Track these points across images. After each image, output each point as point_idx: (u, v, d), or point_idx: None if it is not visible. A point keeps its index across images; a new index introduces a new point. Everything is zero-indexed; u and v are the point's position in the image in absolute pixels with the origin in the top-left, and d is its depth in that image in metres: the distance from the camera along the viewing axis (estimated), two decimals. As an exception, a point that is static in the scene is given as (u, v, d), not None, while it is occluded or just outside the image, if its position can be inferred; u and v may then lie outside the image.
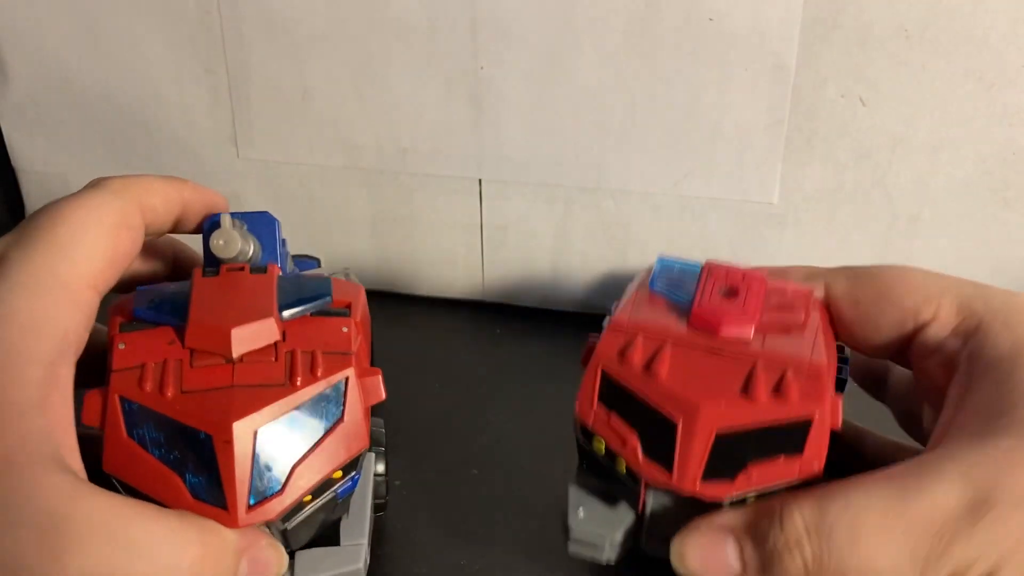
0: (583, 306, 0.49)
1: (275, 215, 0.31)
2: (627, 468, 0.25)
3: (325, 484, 0.26)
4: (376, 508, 0.32)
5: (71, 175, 0.51)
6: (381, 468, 0.32)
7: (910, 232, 0.44)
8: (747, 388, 0.24)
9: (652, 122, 0.43)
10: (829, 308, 0.28)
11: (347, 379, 0.26)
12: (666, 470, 0.24)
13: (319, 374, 0.26)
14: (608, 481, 0.27)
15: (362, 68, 0.45)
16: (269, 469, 0.24)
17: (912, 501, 0.21)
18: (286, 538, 0.26)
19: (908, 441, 0.31)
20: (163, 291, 0.28)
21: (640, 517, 0.26)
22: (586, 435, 0.26)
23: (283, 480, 0.25)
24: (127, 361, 0.25)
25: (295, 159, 0.48)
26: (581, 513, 0.26)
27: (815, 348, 0.25)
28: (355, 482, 0.28)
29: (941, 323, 0.26)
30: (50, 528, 0.20)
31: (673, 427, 0.24)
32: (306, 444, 0.25)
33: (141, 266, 0.31)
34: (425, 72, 0.44)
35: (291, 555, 0.27)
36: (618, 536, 0.26)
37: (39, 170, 0.51)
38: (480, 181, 0.47)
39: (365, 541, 0.29)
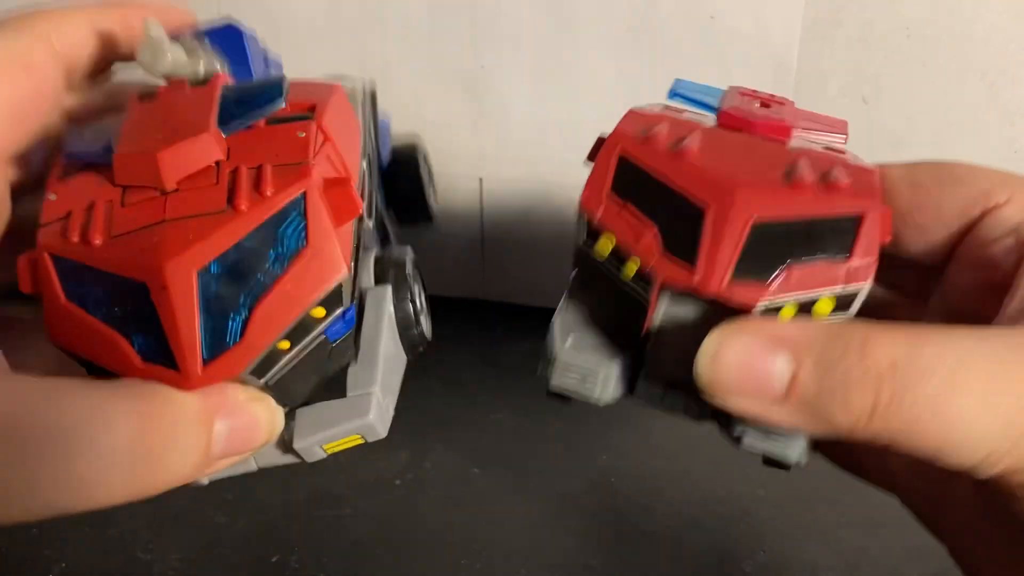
0: (584, 305, 0.49)
1: None
2: (638, 272, 0.21)
3: (302, 326, 0.21)
4: (411, 352, 0.27)
5: (71, 174, 0.51)
6: (419, 299, 0.26)
7: (911, 231, 0.43)
8: (790, 176, 0.20)
9: (653, 121, 0.43)
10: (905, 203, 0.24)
11: (304, 194, 0.21)
12: (688, 266, 0.19)
13: (267, 192, 0.21)
14: (606, 307, 0.22)
15: (362, 67, 0.45)
16: (222, 316, 0.20)
17: (1019, 373, 0.18)
18: (277, 395, 0.22)
19: None
20: (97, 126, 0.23)
21: (644, 340, 0.21)
22: (591, 235, 0.22)
23: (242, 328, 0.20)
24: (56, 212, 0.21)
25: (295, 158, 0.48)
26: (570, 340, 0.22)
27: (859, 161, 0.22)
28: (348, 320, 0.23)
29: (1017, 206, 0.23)
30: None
31: (700, 214, 0.20)
32: (265, 281, 0.21)
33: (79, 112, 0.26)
34: (425, 71, 0.44)
35: (292, 414, 0.23)
36: (614, 369, 0.22)
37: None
38: (481, 180, 0.47)
39: (375, 388, 0.23)
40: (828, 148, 0.23)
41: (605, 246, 0.21)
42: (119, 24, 0.24)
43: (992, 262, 0.23)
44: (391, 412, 0.24)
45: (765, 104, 0.23)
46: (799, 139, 0.22)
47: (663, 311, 0.20)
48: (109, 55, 0.25)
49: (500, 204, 0.47)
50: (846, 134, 0.24)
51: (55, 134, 0.23)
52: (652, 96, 0.43)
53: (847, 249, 0.20)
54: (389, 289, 0.26)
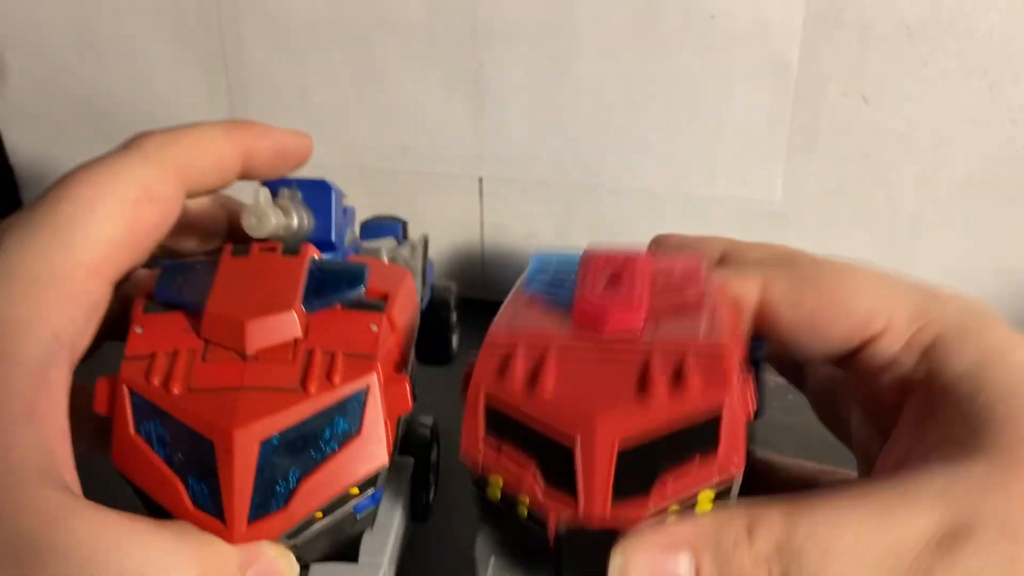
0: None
1: None
2: (528, 509, 0.21)
3: (338, 500, 0.23)
4: (417, 516, 0.29)
5: (70, 174, 0.51)
6: (432, 484, 0.29)
7: (913, 230, 0.43)
8: (643, 387, 0.21)
9: (653, 120, 0.43)
10: (765, 310, 0.25)
11: (368, 388, 0.23)
12: (572, 499, 0.20)
13: (336, 380, 0.23)
14: (516, 536, 0.23)
15: (362, 67, 0.45)
16: (273, 483, 0.22)
17: (889, 527, 0.19)
18: (297, 552, 0.24)
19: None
20: (191, 269, 0.25)
21: (557, 563, 0.22)
22: (478, 482, 0.22)
23: (288, 497, 0.22)
24: (140, 348, 0.23)
25: (295, 158, 0.48)
26: (491, 564, 0.23)
27: (715, 326, 0.22)
28: (376, 499, 0.25)
29: (894, 335, 0.23)
30: (33, 554, 0.18)
31: (570, 449, 0.20)
32: (317, 458, 0.23)
33: (185, 239, 0.27)
34: (425, 70, 0.44)
35: (305, 567, 0.25)
36: None
37: (38, 168, 0.51)
38: (480, 180, 0.46)
39: (385, 560, 0.26)
40: (680, 309, 0.23)
41: (495, 490, 0.22)
42: (243, 150, 0.26)
43: (876, 397, 0.25)
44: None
45: (616, 277, 0.24)
46: (649, 329, 0.23)
47: (565, 539, 0.21)
48: (228, 180, 0.26)
49: (500, 204, 0.47)
50: (702, 284, 0.24)
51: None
52: (652, 96, 0.43)
53: (714, 444, 0.21)
54: (411, 467, 0.29)
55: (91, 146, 0.50)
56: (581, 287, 0.23)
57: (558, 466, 0.21)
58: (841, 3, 0.39)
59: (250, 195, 0.27)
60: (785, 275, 0.25)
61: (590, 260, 0.24)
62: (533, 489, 0.21)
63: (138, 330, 0.24)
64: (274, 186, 0.28)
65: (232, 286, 0.24)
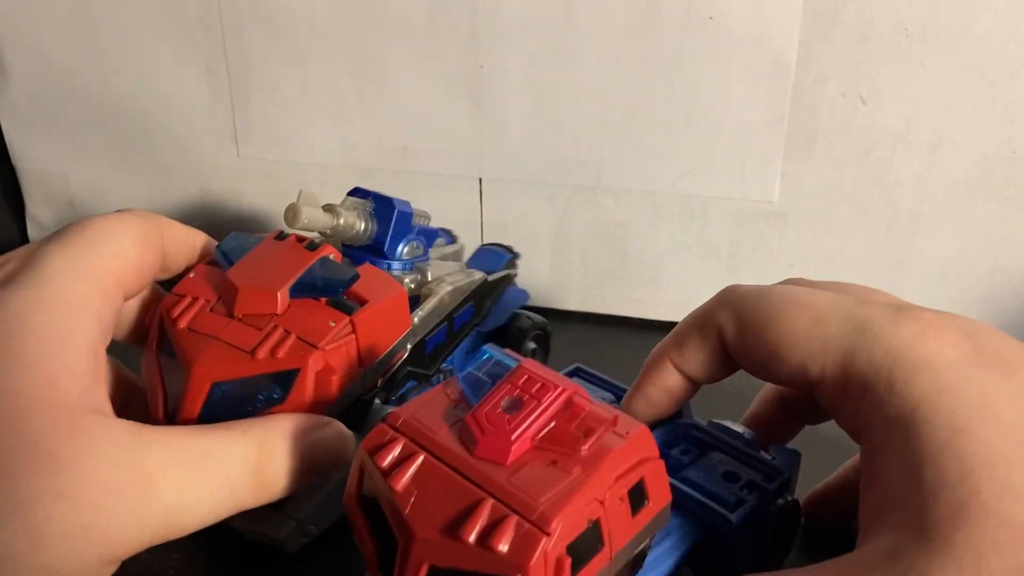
0: (583, 305, 0.49)
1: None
2: None
3: None
4: None
5: (71, 173, 0.51)
6: None
7: (910, 230, 0.44)
8: (460, 526, 0.21)
9: (652, 121, 0.43)
10: (730, 351, 0.26)
11: (300, 369, 0.27)
12: None
13: (279, 355, 0.27)
14: None
15: (362, 67, 0.45)
16: (212, 418, 0.27)
17: None
18: None
19: None
20: (246, 241, 0.31)
21: None
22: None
23: None
24: (183, 288, 0.29)
25: (295, 158, 0.48)
26: None
27: (566, 496, 0.21)
28: None
29: (829, 384, 0.24)
30: (132, 462, 0.23)
31: (394, 546, 0.22)
32: (248, 411, 0.27)
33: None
34: (425, 71, 0.44)
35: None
36: None
37: (39, 169, 0.51)
38: (480, 180, 0.47)
39: (299, 518, 0.29)
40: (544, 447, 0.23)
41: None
42: (198, 244, 0.32)
43: (843, 428, 0.25)
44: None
45: (518, 402, 0.23)
46: (513, 467, 0.22)
47: None
48: (186, 263, 0.32)
49: (500, 204, 0.47)
50: (599, 443, 0.23)
51: None
52: (651, 96, 0.43)
53: None
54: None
55: (92, 145, 0.50)
56: (483, 401, 0.23)
57: (391, 556, 0.22)
58: (839, 4, 0.39)
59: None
60: (733, 318, 0.26)
61: (513, 375, 0.24)
62: (372, 564, 0.23)
63: (191, 275, 0.30)
64: (359, 194, 0.35)
65: (255, 261, 0.29)
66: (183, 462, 0.23)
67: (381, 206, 0.34)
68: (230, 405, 0.27)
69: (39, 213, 0.53)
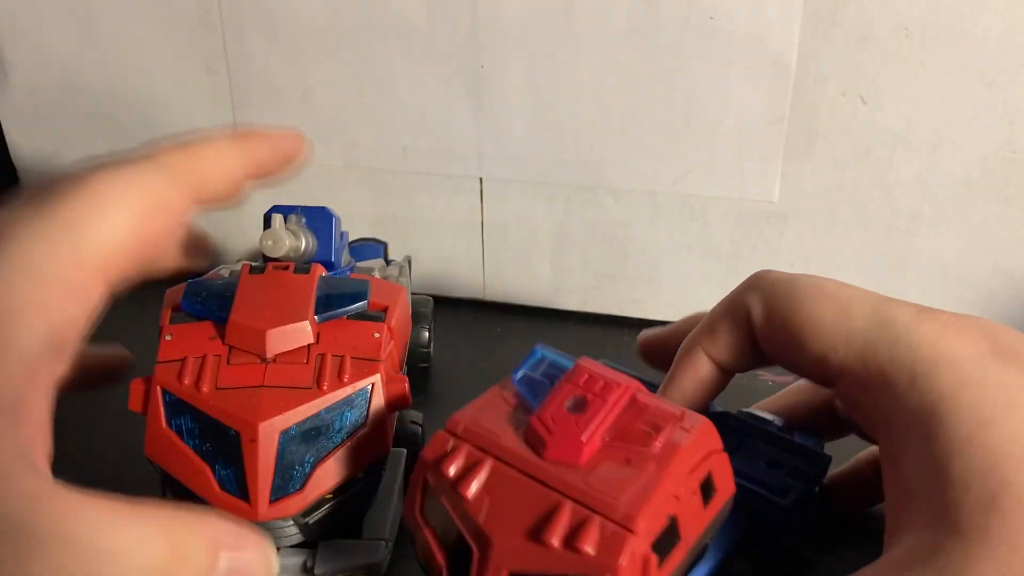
0: (583, 305, 0.49)
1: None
2: None
3: (347, 484, 0.27)
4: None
5: (72, 174, 0.51)
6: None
7: (910, 230, 0.44)
8: (542, 530, 0.21)
9: (652, 120, 0.43)
10: (756, 336, 0.26)
11: (372, 385, 0.27)
12: None
13: (345, 380, 0.26)
14: None
15: (363, 67, 0.45)
16: (291, 468, 0.25)
17: None
18: (309, 530, 0.27)
19: None
20: (212, 285, 0.29)
21: None
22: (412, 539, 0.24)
23: (304, 480, 0.26)
24: (171, 353, 0.27)
25: (296, 158, 0.48)
26: None
27: (647, 492, 0.21)
28: (378, 482, 0.29)
29: (850, 377, 0.24)
30: (14, 535, 0.19)
31: (471, 555, 0.22)
32: (328, 446, 0.26)
33: (182, 258, 0.29)
34: (426, 71, 0.44)
35: (314, 545, 0.28)
36: None
37: (39, 168, 0.51)
38: (481, 180, 0.47)
39: (385, 535, 0.29)
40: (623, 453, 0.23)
41: (418, 554, 0.24)
42: (250, 161, 0.27)
43: (862, 425, 0.25)
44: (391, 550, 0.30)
45: (582, 402, 0.23)
46: (587, 467, 0.22)
47: None
48: (235, 193, 0.27)
49: (500, 204, 0.47)
50: (669, 438, 0.23)
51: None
52: (651, 96, 0.43)
53: None
54: (404, 456, 0.33)
55: (93, 145, 0.50)
56: (546, 402, 0.23)
57: (462, 566, 0.22)
58: (839, 4, 0.39)
59: (230, 218, 0.30)
60: (761, 305, 0.26)
61: (573, 375, 0.24)
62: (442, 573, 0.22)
63: (168, 338, 0.27)
64: (283, 211, 0.32)
65: (252, 299, 0.28)
66: (73, 552, 0.19)
67: (314, 217, 0.33)
68: (304, 449, 0.26)
69: (40, 213, 0.53)
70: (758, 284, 0.26)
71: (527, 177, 0.46)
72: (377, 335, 0.28)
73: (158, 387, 0.26)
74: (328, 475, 0.26)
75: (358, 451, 0.26)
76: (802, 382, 0.32)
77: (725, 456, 0.24)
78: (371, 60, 0.45)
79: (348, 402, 0.26)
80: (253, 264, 0.29)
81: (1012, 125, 0.40)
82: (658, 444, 0.22)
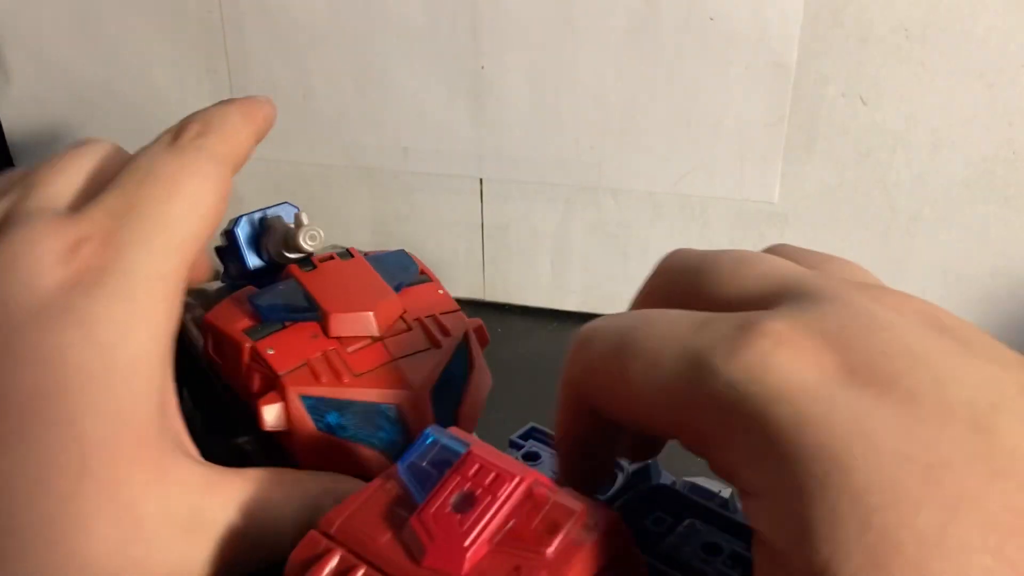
0: (583, 305, 0.49)
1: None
2: None
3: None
4: None
5: (72, 174, 0.51)
6: None
7: (911, 231, 0.44)
8: None
9: (652, 121, 0.43)
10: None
11: (470, 331, 0.29)
12: None
13: (451, 332, 0.29)
14: None
15: (363, 67, 0.45)
16: (444, 424, 0.24)
17: None
18: None
19: None
20: (275, 293, 0.29)
21: None
22: None
23: (454, 424, 0.27)
24: (287, 363, 0.26)
25: (296, 158, 0.48)
26: None
27: None
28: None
29: (687, 437, 0.19)
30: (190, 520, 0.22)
31: None
32: (457, 394, 0.28)
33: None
34: (426, 71, 0.44)
35: None
36: None
37: (40, 169, 0.51)
38: (481, 180, 0.47)
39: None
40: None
41: None
42: (255, 132, 0.28)
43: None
44: None
45: (470, 498, 0.20)
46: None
47: None
48: (252, 152, 0.28)
49: (500, 204, 0.47)
50: (567, 541, 0.19)
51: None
52: (652, 96, 0.43)
53: None
54: None
55: (93, 146, 0.50)
56: (429, 499, 0.20)
57: None
58: (839, 4, 0.39)
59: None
60: (581, 372, 0.21)
61: (462, 464, 0.21)
62: None
63: (270, 351, 0.27)
64: (250, 216, 0.31)
65: (329, 291, 0.28)
66: (244, 513, 0.22)
67: (285, 215, 0.32)
68: (444, 403, 0.27)
69: (40, 213, 0.53)
70: (579, 345, 0.21)
71: (527, 178, 0.46)
72: (442, 291, 0.30)
73: (296, 395, 0.26)
74: (468, 418, 0.28)
75: (479, 389, 0.29)
76: None
77: (638, 553, 0.21)
78: (371, 60, 0.45)
79: (460, 351, 0.28)
80: (302, 262, 0.30)
81: (1012, 126, 0.40)
82: (553, 548, 0.19)
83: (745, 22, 0.40)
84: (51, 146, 0.50)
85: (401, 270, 0.30)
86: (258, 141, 0.28)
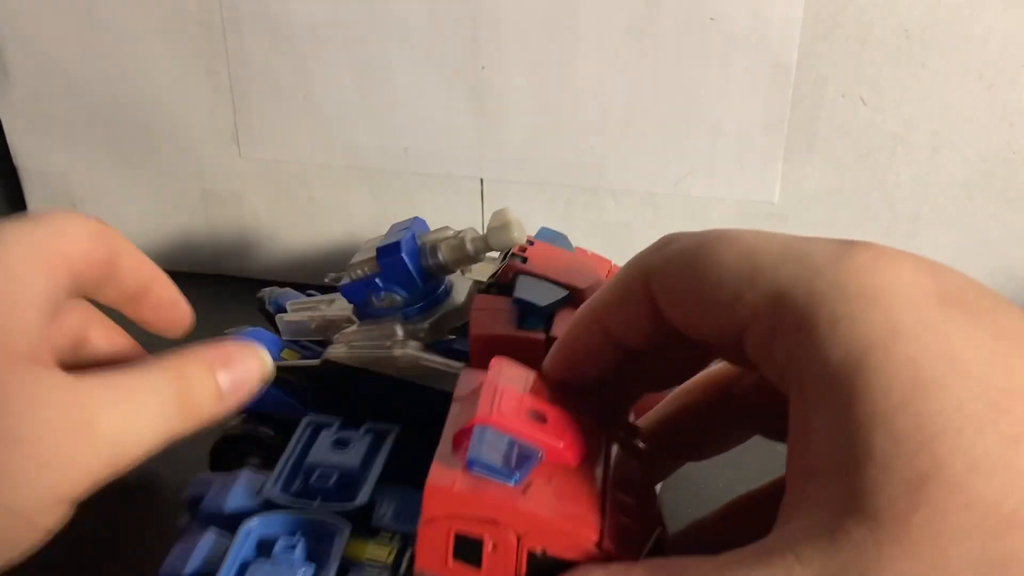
0: (584, 305, 0.49)
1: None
2: None
3: None
4: None
5: (72, 173, 0.51)
6: None
7: (910, 231, 0.44)
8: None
9: (653, 122, 0.43)
10: (658, 301, 0.22)
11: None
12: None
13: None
14: None
15: (364, 67, 0.45)
16: None
17: None
18: None
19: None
20: (524, 290, 0.30)
21: None
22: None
23: None
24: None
25: (297, 158, 0.48)
26: None
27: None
28: None
29: (760, 325, 0.19)
30: (73, 408, 0.23)
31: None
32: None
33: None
34: (426, 72, 0.44)
35: None
36: None
37: (40, 169, 0.51)
38: (481, 180, 0.47)
39: None
40: None
41: None
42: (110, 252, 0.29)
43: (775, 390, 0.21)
44: None
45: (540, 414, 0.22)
46: None
47: None
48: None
49: (501, 204, 0.47)
50: None
51: None
52: (652, 97, 0.43)
53: None
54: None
55: (93, 145, 0.50)
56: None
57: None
58: (839, 5, 0.40)
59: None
60: (664, 261, 0.21)
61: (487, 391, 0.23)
62: None
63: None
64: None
65: (560, 272, 0.31)
66: (118, 401, 0.24)
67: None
68: None
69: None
70: (662, 243, 0.22)
71: (528, 178, 0.46)
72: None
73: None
74: None
75: None
76: (685, 385, 0.27)
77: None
78: (372, 61, 0.45)
79: None
80: (513, 258, 0.32)
81: (1012, 126, 0.41)
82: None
83: (745, 23, 0.40)
84: (50, 145, 0.50)
85: (556, 239, 0.34)
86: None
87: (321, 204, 0.49)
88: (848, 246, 0.19)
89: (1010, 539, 0.16)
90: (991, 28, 0.39)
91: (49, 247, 0.26)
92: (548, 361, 0.25)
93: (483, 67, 0.44)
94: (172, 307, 0.30)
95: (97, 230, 0.28)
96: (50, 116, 0.49)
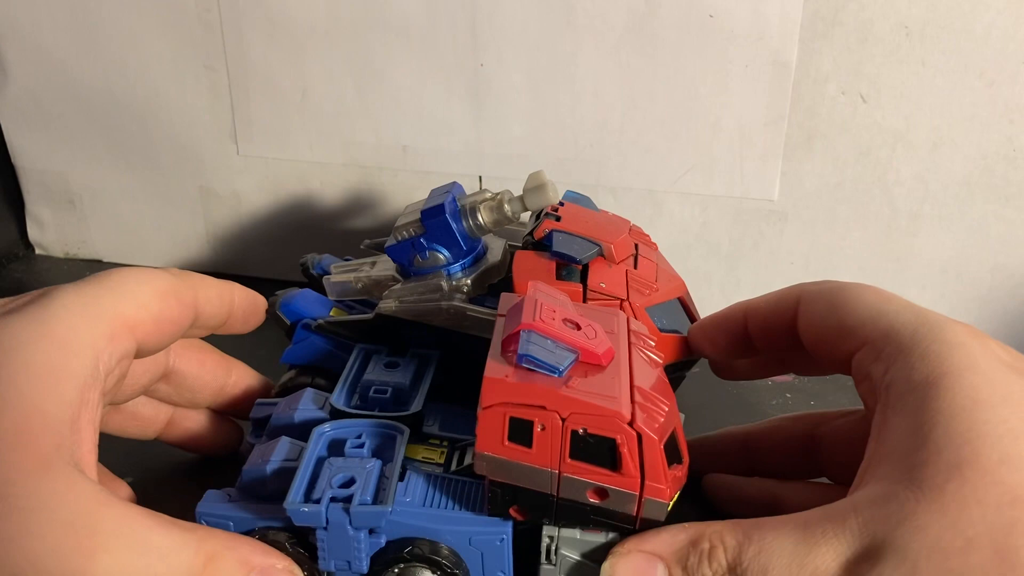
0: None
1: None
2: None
3: None
4: None
5: (71, 172, 0.51)
6: None
7: (910, 229, 0.44)
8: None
9: (652, 119, 0.43)
10: (798, 318, 0.29)
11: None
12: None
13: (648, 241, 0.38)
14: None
15: (362, 65, 0.45)
16: None
17: (814, 549, 0.22)
18: None
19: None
20: (561, 243, 0.34)
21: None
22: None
23: None
24: (618, 289, 0.33)
25: (295, 156, 0.48)
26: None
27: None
28: None
29: (871, 348, 0.26)
30: (83, 529, 0.22)
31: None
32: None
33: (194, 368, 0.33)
34: (425, 69, 0.44)
35: None
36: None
37: (39, 167, 0.51)
38: (480, 178, 0.47)
39: None
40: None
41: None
42: (231, 299, 0.32)
43: (863, 401, 0.27)
44: None
45: (574, 323, 0.27)
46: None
47: (567, 546, 0.26)
48: (223, 319, 0.32)
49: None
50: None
51: None
52: (651, 95, 0.43)
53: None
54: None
55: (92, 144, 0.50)
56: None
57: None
58: (840, 2, 0.39)
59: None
60: (812, 290, 0.29)
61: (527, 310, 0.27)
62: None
63: (602, 284, 0.32)
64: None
65: (590, 230, 0.34)
66: (129, 548, 0.22)
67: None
68: None
69: (39, 212, 0.53)
70: (819, 281, 0.29)
71: (527, 176, 0.46)
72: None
73: (643, 308, 0.33)
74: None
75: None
76: (783, 416, 0.34)
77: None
78: (371, 59, 0.45)
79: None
80: (548, 215, 0.35)
81: (1012, 124, 0.40)
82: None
83: (745, 20, 0.40)
84: (50, 145, 0.50)
85: (581, 200, 0.36)
86: (234, 312, 0.31)
87: (320, 202, 0.49)
88: (959, 322, 0.25)
89: (1020, 509, 0.21)
90: (991, 25, 0.39)
91: (110, 314, 0.26)
92: (701, 320, 0.33)
93: (481, 65, 0.44)
94: (253, 310, 0.32)
95: (168, 287, 0.28)
96: (48, 115, 0.49)
